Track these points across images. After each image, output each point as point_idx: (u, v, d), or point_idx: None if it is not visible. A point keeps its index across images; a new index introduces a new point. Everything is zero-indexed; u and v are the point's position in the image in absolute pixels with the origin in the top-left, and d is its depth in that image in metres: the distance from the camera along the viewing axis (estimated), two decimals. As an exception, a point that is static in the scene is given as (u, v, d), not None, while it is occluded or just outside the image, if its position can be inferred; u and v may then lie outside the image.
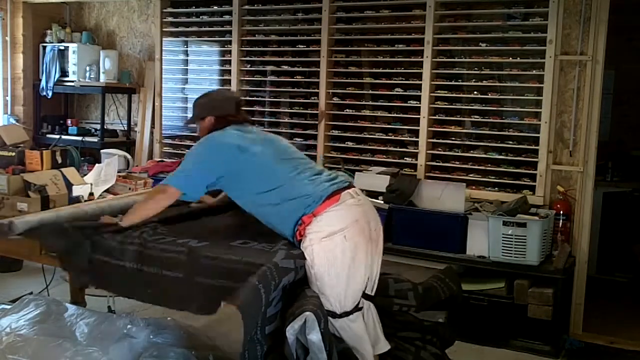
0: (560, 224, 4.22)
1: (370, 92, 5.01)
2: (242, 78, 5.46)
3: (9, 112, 6.25)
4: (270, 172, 2.71)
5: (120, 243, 2.60)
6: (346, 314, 2.54)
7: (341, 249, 2.51)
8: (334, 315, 2.51)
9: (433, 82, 4.66)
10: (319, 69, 5.05)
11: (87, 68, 5.95)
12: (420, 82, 4.68)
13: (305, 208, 2.58)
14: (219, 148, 2.78)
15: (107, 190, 3.58)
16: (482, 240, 4.07)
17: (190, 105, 5.81)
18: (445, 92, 4.66)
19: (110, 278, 2.64)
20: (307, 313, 2.30)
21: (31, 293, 3.89)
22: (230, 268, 2.43)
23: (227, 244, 2.63)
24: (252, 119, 5.47)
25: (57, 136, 5.94)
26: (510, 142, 4.48)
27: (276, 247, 2.58)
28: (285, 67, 5.30)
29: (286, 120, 5.34)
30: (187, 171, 2.78)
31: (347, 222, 2.55)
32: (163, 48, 5.83)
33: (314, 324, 2.29)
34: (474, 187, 4.53)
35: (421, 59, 4.66)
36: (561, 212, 4.23)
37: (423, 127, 4.69)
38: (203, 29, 5.63)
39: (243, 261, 2.44)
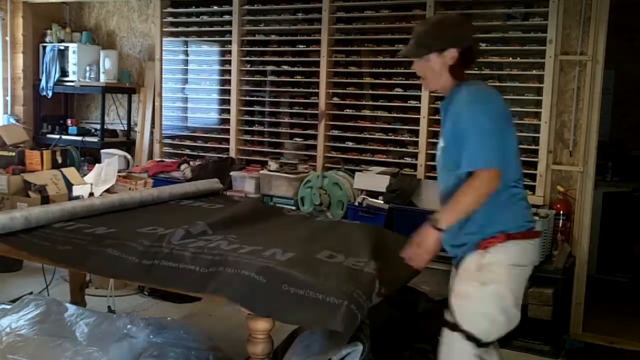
0: (560, 224, 4.22)
1: (370, 92, 5.01)
2: (242, 78, 5.46)
3: (9, 112, 6.25)
4: (511, 165, 2.34)
5: (193, 253, 2.49)
6: (485, 344, 2.33)
7: (520, 283, 2.37)
8: (477, 343, 2.31)
9: (433, 82, 4.65)
10: (319, 69, 5.05)
11: (87, 68, 5.95)
12: (420, 82, 4.67)
13: (512, 224, 2.32)
14: (499, 106, 2.33)
15: (107, 190, 3.59)
16: (482, 240, 4.06)
17: (190, 105, 5.84)
18: (445, 92, 4.65)
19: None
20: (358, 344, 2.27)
21: (31, 293, 3.90)
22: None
23: (313, 257, 2.51)
24: (252, 119, 5.50)
25: (57, 136, 5.95)
26: (510, 142, 4.48)
27: (364, 264, 2.48)
28: (285, 67, 5.30)
29: (286, 120, 5.34)
30: (489, 140, 2.22)
31: (530, 261, 2.41)
32: (163, 48, 5.83)
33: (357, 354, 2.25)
34: (474, 187, 4.52)
35: (421, 59, 4.65)
36: (561, 212, 4.23)
37: (423, 127, 4.69)
38: (203, 29, 5.62)
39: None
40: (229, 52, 5.46)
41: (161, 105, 5.90)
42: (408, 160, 4.80)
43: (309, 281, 2.25)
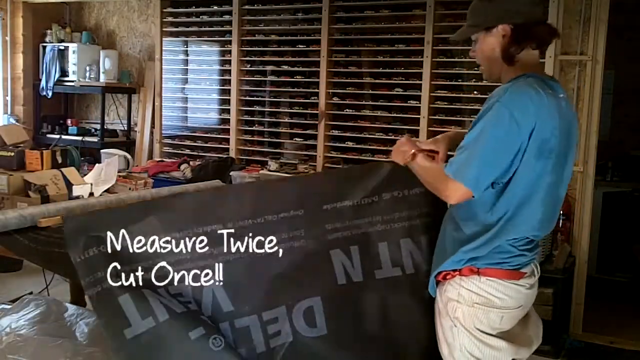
0: (560, 223, 4.22)
1: (370, 92, 5.01)
2: (242, 78, 5.46)
3: (9, 112, 6.25)
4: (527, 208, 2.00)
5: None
6: None
7: None
8: None
9: (433, 82, 4.66)
10: (319, 69, 5.05)
11: (87, 68, 5.95)
12: (420, 82, 4.68)
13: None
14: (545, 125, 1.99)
15: (107, 190, 3.58)
16: (482, 240, 4.06)
17: (190, 105, 5.84)
18: (445, 92, 4.66)
19: None
20: None
21: (31, 293, 3.89)
22: None
23: None
24: (252, 119, 5.50)
25: (57, 136, 5.95)
26: (510, 142, 4.48)
27: None
28: (285, 67, 5.30)
29: (286, 120, 5.35)
30: (491, 155, 1.91)
31: None
32: (163, 48, 5.83)
33: None
34: (474, 187, 4.52)
35: (421, 59, 4.66)
36: (561, 212, 4.22)
37: (423, 127, 4.69)
38: (203, 29, 5.63)
39: None
40: (229, 52, 5.46)
41: (161, 105, 5.90)
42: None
43: None
